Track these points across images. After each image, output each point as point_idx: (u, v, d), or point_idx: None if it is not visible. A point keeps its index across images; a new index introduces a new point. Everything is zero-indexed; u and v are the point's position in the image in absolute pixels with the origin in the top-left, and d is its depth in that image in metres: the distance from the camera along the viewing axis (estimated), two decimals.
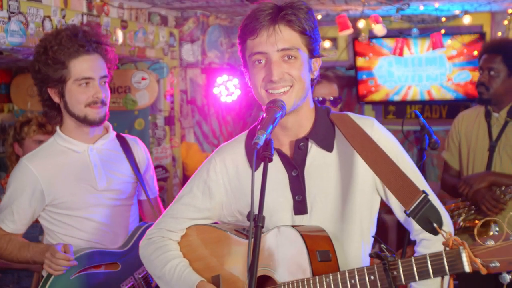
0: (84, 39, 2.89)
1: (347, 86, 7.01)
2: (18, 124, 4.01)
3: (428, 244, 2.15)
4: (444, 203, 4.74)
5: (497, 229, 1.72)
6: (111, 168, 3.01)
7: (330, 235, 2.08)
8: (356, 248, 2.19)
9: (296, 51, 2.06)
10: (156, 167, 5.30)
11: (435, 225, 1.90)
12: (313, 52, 2.12)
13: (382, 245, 1.89)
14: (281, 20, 2.05)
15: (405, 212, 1.98)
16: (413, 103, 6.50)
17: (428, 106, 6.67)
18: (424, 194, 1.96)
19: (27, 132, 3.96)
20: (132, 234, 3.03)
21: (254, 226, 1.82)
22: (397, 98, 6.43)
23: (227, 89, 5.91)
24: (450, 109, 6.53)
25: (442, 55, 6.14)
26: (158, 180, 5.21)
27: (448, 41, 5.94)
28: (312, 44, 2.10)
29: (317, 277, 1.95)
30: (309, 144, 2.17)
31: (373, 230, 2.24)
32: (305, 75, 2.09)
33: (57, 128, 3.02)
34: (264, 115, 2.01)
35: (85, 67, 2.88)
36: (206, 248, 2.28)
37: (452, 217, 3.96)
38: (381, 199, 2.24)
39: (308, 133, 2.17)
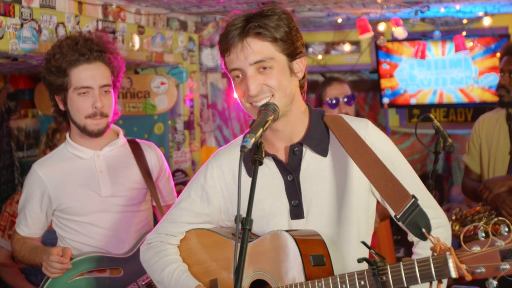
0: (84, 47, 2.89)
1: (371, 90, 6.94)
2: (51, 131, 4.04)
3: (425, 245, 2.13)
4: (469, 207, 4.63)
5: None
6: (118, 174, 3.02)
7: (327, 239, 2.08)
8: (353, 252, 2.18)
9: (270, 61, 2.04)
10: (175, 171, 5.33)
11: (423, 230, 1.90)
12: (293, 55, 2.10)
13: (372, 250, 1.90)
14: (249, 34, 2.03)
15: (395, 217, 1.98)
16: (437, 106, 6.39)
17: (453, 109, 6.56)
18: (413, 199, 1.96)
19: (60, 138, 3.97)
20: (138, 241, 3.03)
21: (242, 229, 1.83)
22: (420, 101, 6.33)
23: None
24: (476, 112, 6.41)
25: (467, 57, 6.03)
26: (178, 184, 5.24)
27: (471, 43, 5.83)
28: (290, 48, 2.07)
29: (309, 281, 1.95)
30: (304, 149, 2.17)
31: (370, 232, 2.23)
32: (285, 82, 2.08)
33: (67, 135, 3.06)
34: (256, 118, 2.02)
35: (84, 76, 2.89)
36: (205, 252, 2.30)
37: (472, 221, 3.89)
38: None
39: (302, 138, 2.16)
